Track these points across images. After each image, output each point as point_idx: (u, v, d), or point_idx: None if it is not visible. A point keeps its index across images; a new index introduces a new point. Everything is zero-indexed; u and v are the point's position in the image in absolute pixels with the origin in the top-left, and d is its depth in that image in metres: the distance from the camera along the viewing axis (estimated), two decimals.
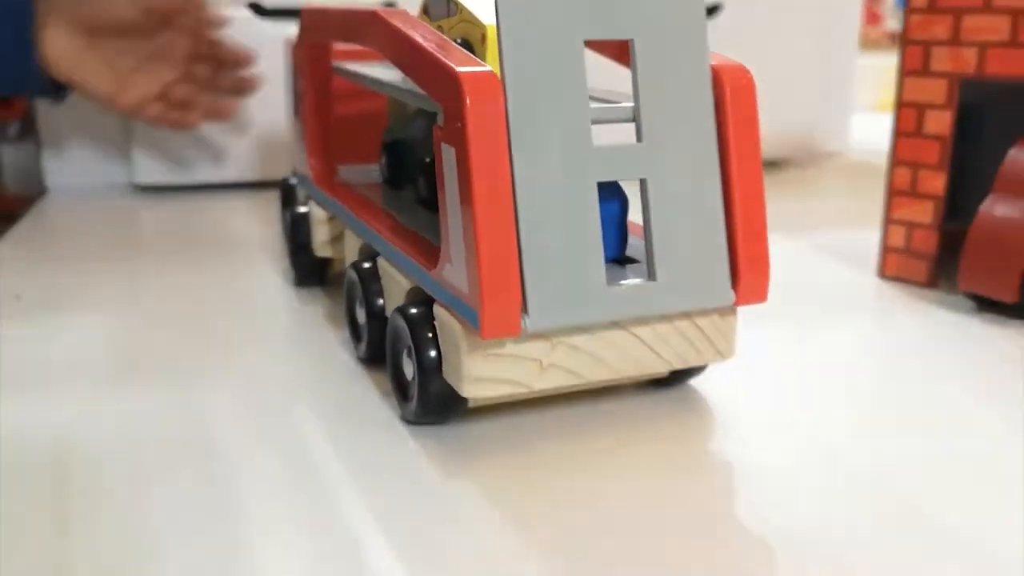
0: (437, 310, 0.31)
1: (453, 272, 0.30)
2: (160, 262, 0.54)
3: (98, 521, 0.27)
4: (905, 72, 0.48)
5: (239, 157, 0.72)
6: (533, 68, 0.29)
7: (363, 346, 0.38)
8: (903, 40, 0.47)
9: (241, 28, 0.69)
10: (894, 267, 0.50)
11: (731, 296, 0.31)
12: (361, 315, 0.38)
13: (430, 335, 0.31)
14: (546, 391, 0.32)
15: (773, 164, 0.83)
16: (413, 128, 0.44)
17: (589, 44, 0.30)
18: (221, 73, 0.66)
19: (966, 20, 0.45)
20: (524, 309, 0.29)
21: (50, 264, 0.53)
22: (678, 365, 0.33)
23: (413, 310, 0.32)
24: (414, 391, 0.32)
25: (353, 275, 0.38)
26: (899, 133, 0.48)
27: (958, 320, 0.44)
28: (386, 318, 0.36)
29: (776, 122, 0.79)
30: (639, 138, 0.30)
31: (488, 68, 0.28)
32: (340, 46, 0.46)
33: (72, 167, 0.72)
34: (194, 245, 0.57)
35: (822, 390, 0.37)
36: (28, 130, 0.74)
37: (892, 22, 1.30)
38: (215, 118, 0.67)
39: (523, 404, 0.34)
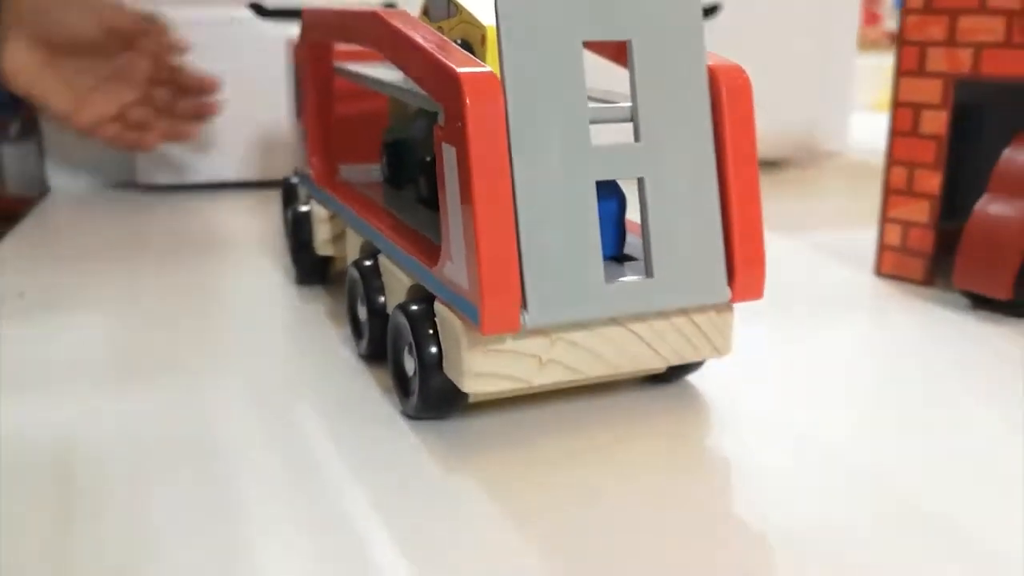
0: (438, 307, 0.32)
1: (454, 269, 0.30)
2: (162, 261, 0.54)
3: (100, 521, 0.27)
4: (901, 72, 0.48)
5: (240, 157, 0.72)
6: (532, 69, 0.29)
7: (364, 343, 0.38)
8: (899, 41, 0.48)
9: (242, 29, 0.69)
10: (891, 265, 0.50)
11: (727, 293, 0.32)
12: (362, 312, 0.38)
13: (431, 331, 0.32)
14: (545, 387, 0.33)
15: (773, 164, 0.83)
16: (414, 128, 0.45)
17: (588, 45, 0.31)
18: (181, 98, 0.66)
19: (962, 21, 0.45)
20: (523, 305, 0.29)
21: (52, 263, 0.54)
22: (675, 361, 0.33)
23: (414, 307, 0.33)
24: (415, 387, 0.32)
25: (354, 273, 0.39)
26: (895, 133, 0.49)
27: (954, 318, 0.44)
28: (387, 315, 0.36)
29: (775, 122, 0.79)
30: (637, 138, 0.31)
31: (488, 69, 0.29)
32: (341, 46, 0.47)
33: (74, 167, 0.73)
34: (196, 244, 0.57)
35: (818, 387, 0.37)
36: (30, 130, 0.74)
37: (891, 22, 1.30)
38: (173, 140, 0.67)
39: (523, 400, 0.35)
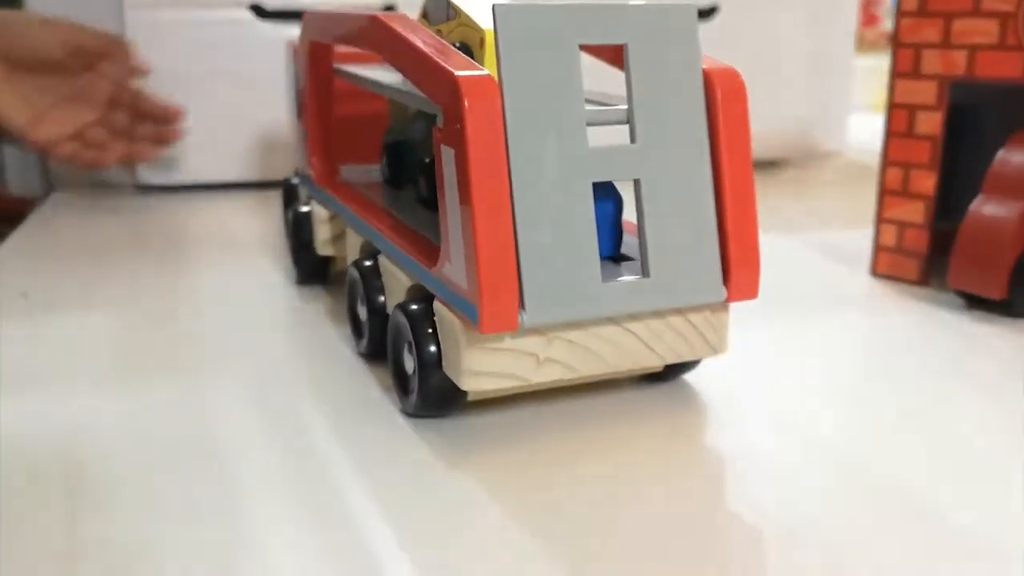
0: (437, 306, 0.32)
1: (452, 269, 0.31)
2: (163, 261, 0.55)
3: (105, 519, 0.27)
4: (896, 74, 0.48)
5: (241, 157, 0.72)
6: (530, 72, 0.29)
7: (364, 342, 0.39)
8: (894, 42, 0.48)
9: (242, 30, 0.70)
10: (886, 265, 0.50)
11: (723, 293, 0.32)
12: (362, 312, 0.39)
13: (430, 331, 0.32)
14: (543, 385, 0.33)
15: (771, 164, 0.83)
16: (413, 129, 0.45)
17: (585, 48, 0.31)
18: (140, 123, 0.67)
19: (956, 23, 0.46)
20: (521, 305, 0.29)
21: (54, 264, 0.54)
22: (671, 360, 0.33)
23: (413, 306, 0.33)
24: (415, 385, 0.33)
25: (355, 273, 0.39)
26: (891, 134, 0.49)
27: (948, 317, 0.45)
28: (387, 315, 0.37)
29: (774, 122, 0.80)
30: (633, 140, 0.31)
31: (486, 72, 0.29)
32: (341, 48, 0.47)
33: (75, 168, 0.73)
34: (197, 244, 0.58)
35: (814, 385, 0.38)
36: None
37: (889, 23, 1.31)
38: (131, 161, 0.67)
39: (521, 398, 0.35)
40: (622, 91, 0.32)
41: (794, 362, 0.40)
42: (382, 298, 0.38)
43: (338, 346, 0.41)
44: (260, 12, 0.70)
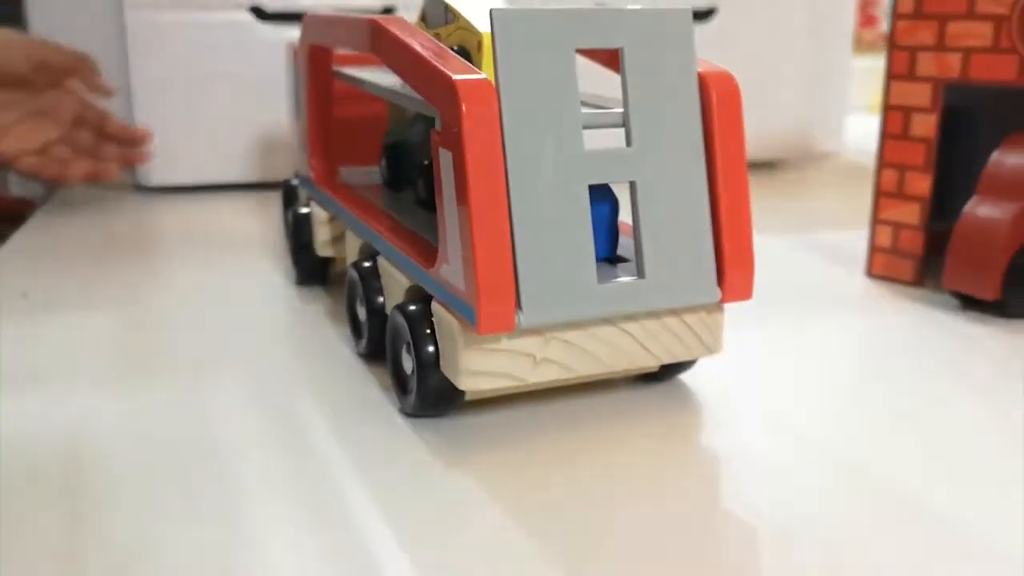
0: (435, 307, 0.33)
1: (450, 271, 0.31)
2: (164, 262, 0.55)
3: (105, 519, 0.28)
4: (891, 76, 0.49)
5: (241, 158, 0.73)
6: (526, 76, 0.30)
7: (364, 342, 0.39)
8: (890, 45, 0.49)
9: (242, 31, 0.70)
10: (881, 266, 0.51)
11: (717, 293, 0.33)
12: (362, 312, 0.39)
13: (428, 331, 0.33)
14: (540, 384, 0.34)
15: (768, 165, 0.84)
16: (412, 131, 0.46)
17: (582, 51, 0.31)
18: (105, 143, 0.67)
19: (951, 26, 0.46)
20: (518, 306, 0.30)
21: (56, 264, 0.54)
22: (667, 360, 0.34)
23: (412, 307, 0.34)
24: (413, 385, 0.33)
25: (354, 274, 0.40)
26: (886, 135, 0.49)
27: (943, 318, 0.45)
28: (386, 315, 0.37)
29: (771, 123, 0.81)
30: (629, 142, 0.32)
31: (483, 75, 0.30)
32: (341, 50, 0.47)
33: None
34: (198, 245, 0.58)
35: (809, 385, 0.38)
36: None
37: (887, 24, 1.31)
38: (95, 180, 0.67)
39: (519, 398, 0.35)
40: (618, 94, 0.32)
41: (790, 362, 0.40)
42: (381, 299, 0.38)
43: (337, 346, 0.41)
44: (260, 14, 0.70)
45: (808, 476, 0.31)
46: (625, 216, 0.34)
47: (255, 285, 0.50)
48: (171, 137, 0.71)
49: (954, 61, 0.46)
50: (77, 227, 0.63)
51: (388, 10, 0.71)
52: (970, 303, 0.46)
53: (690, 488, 0.30)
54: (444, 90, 0.30)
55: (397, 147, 0.46)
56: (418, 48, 0.32)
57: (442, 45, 0.33)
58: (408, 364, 0.34)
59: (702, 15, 0.77)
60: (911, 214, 0.49)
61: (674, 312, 0.33)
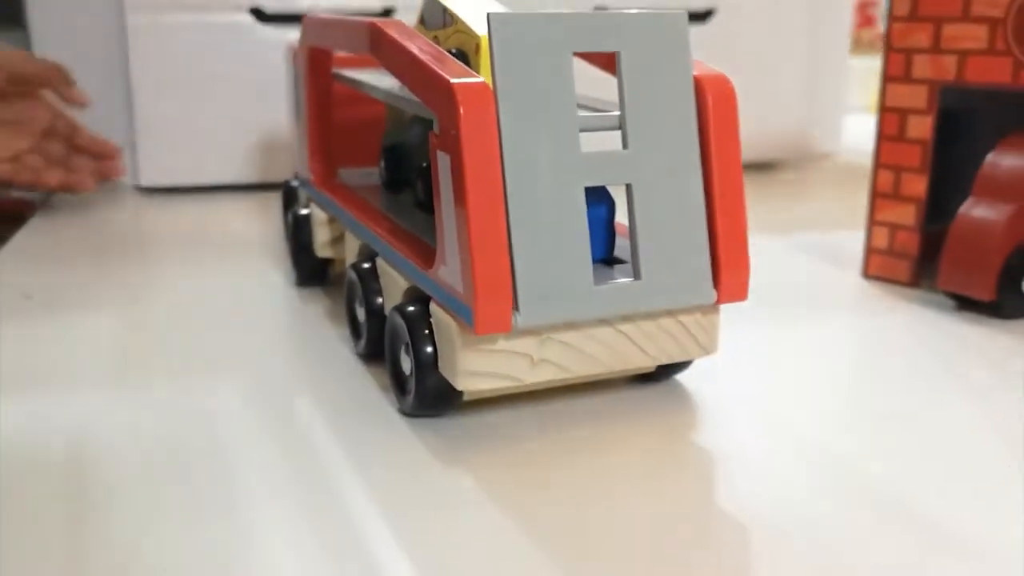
0: (433, 308, 0.33)
1: (448, 272, 0.31)
2: (165, 263, 0.55)
3: (105, 519, 0.28)
4: (888, 78, 0.49)
5: (241, 159, 0.73)
6: (524, 79, 0.30)
7: (363, 343, 0.39)
8: (886, 47, 0.49)
9: (242, 33, 0.70)
10: (877, 267, 0.51)
11: (713, 295, 0.33)
12: (361, 313, 0.39)
13: (427, 332, 0.33)
14: (537, 385, 0.34)
15: (766, 166, 0.84)
16: (411, 133, 0.46)
17: (579, 54, 0.32)
18: (76, 155, 0.67)
19: (946, 29, 0.46)
20: (515, 307, 0.30)
21: (56, 265, 0.55)
22: (663, 360, 0.34)
23: (410, 308, 0.34)
24: (412, 385, 0.34)
25: (353, 275, 0.40)
26: (882, 137, 0.50)
27: (938, 318, 0.45)
28: (385, 316, 0.37)
29: (769, 124, 0.81)
30: (625, 145, 0.32)
31: (481, 79, 0.30)
32: (340, 52, 0.48)
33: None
34: (198, 246, 0.58)
35: (804, 385, 0.38)
36: None
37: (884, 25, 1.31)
38: (69, 190, 0.67)
39: (516, 398, 0.36)
40: (615, 96, 0.33)
41: (785, 363, 0.41)
42: (380, 300, 0.38)
43: (337, 347, 0.41)
44: (260, 15, 0.71)
45: (803, 476, 0.31)
46: (622, 217, 0.34)
47: (255, 286, 0.50)
48: (171, 138, 0.71)
49: (950, 63, 0.47)
50: (77, 228, 0.63)
51: (387, 11, 0.71)
52: (965, 304, 0.46)
53: (687, 487, 0.30)
54: (442, 94, 0.30)
55: (396, 149, 0.46)
56: (417, 52, 0.32)
57: (440, 49, 0.33)
58: (407, 364, 0.34)
59: (701, 16, 0.78)
60: (907, 215, 0.49)
61: (670, 313, 0.33)
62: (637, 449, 0.32)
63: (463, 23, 0.38)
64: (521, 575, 0.25)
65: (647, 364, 0.34)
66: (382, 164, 0.47)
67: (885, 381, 0.39)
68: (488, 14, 0.30)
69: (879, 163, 0.50)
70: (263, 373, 0.39)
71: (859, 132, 0.87)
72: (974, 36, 0.45)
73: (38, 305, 0.47)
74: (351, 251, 0.43)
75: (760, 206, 0.68)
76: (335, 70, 0.48)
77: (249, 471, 0.31)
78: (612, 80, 0.33)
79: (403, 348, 0.34)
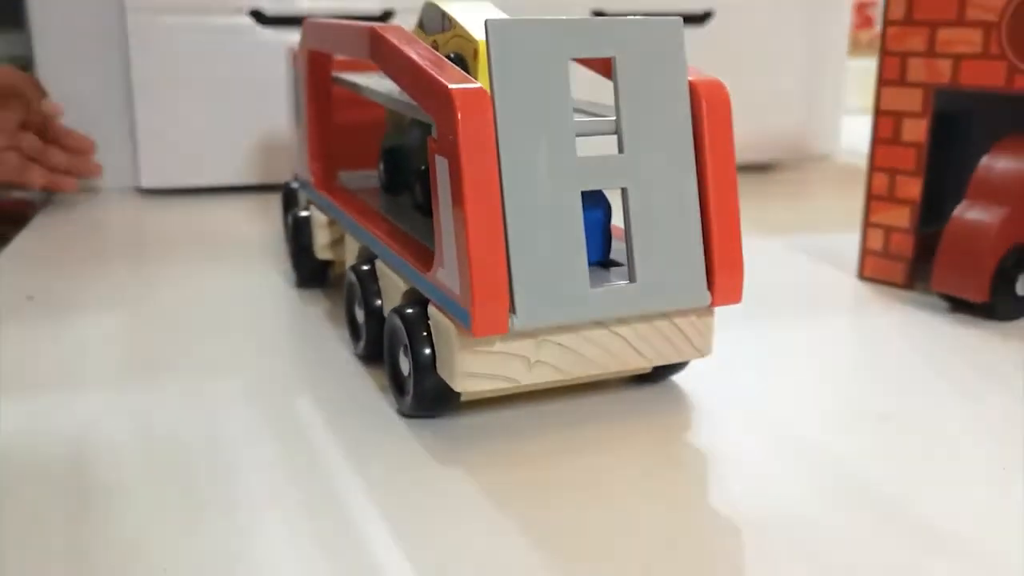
0: (431, 310, 0.33)
1: (446, 274, 0.32)
2: (165, 264, 0.55)
3: (106, 518, 0.28)
4: (883, 82, 0.49)
5: (242, 161, 0.73)
6: (521, 85, 0.30)
7: (362, 344, 0.40)
8: (881, 51, 0.49)
9: (243, 35, 0.71)
10: (872, 269, 0.51)
11: (707, 297, 0.33)
12: (360, 315, 0.40)
13: (425, 334, 0.33)
14: (534, 386, 0.34)
15: (764, 167, 0.84)
16: (409, 137, 0.46)
17: (575, 60, 0.32)
18: (50, 148, 0.68)
19: (941, 33, 0.47)
20: (512, 309, 0.30)
21: (57, 266, 0.55)
22: (658, 362, 0.34)
23: (409, 310, 0.34)
24: (410, 386, 0.34)
25: (352, 277, 0.40)
26: (877, 140, 0.50)
27: (932, 320, 0.46)
28: (383, 318, 0.38)
29: (767, 125, 0.81)
30: (621, 149, 0.32)
31: (479, 85, 0.30)
32: (340, 56, 0.48)
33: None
34: (198, 247, 0.59)
35: (799, 386, 0.38)
36: None
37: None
38: (52, 191, 0.67)
39: (514, 399, 0.36)
40: (611, 101, 0.33)
41: (780, 364, 0.41)
42: (379, 301, 0.39)
43: (336, 348, 0.42)
44: (260, 18, 0.71)
45: (799, 476, 0.31)
46: (618, 221, 0.34)
47: (255, 287, 0.51)
48: (172, 139, 0.71)
49: (944, 67, 0.47)
50: (78, 229, 0.63)
51: (387, 14, 0.72)
52: (959, 305, 0.47)
53: (683, 488, 0.31)
54: (441, 99, 0.30)
55: (395, 152, 0.46)
56: (416, 57, 0.33)
57: (439, 55, 0.33)
58: (405, 366, 0.35)
59: (699, 18, 0.78)
60: (902, 217, 0.50)
61: (665, 315, 0.33)
62: (634, 449, 0.33)
63: (462, 28, 0.38)
64: (518, 574, 0.26)
65: (643, 366, 0.34)
66: (381, 167, 0.47)
67: (879, 382, 0.39)
68: (486, 21, 0.30)
69: (874, 166, 0.50)
70: (263, 374, 0.39)
71: (857, 133, 0.87)
72: (969, 40, 0.46)
73: (39, 306, 0.47)
74: (351, 253, 0.44)
75: (758, 207, 0.68)
76: (335, 73, 0.48)
77: (249, 471, 0.31)
78: (608, 82, 0.33)
79: (402, 350, 0.35)
